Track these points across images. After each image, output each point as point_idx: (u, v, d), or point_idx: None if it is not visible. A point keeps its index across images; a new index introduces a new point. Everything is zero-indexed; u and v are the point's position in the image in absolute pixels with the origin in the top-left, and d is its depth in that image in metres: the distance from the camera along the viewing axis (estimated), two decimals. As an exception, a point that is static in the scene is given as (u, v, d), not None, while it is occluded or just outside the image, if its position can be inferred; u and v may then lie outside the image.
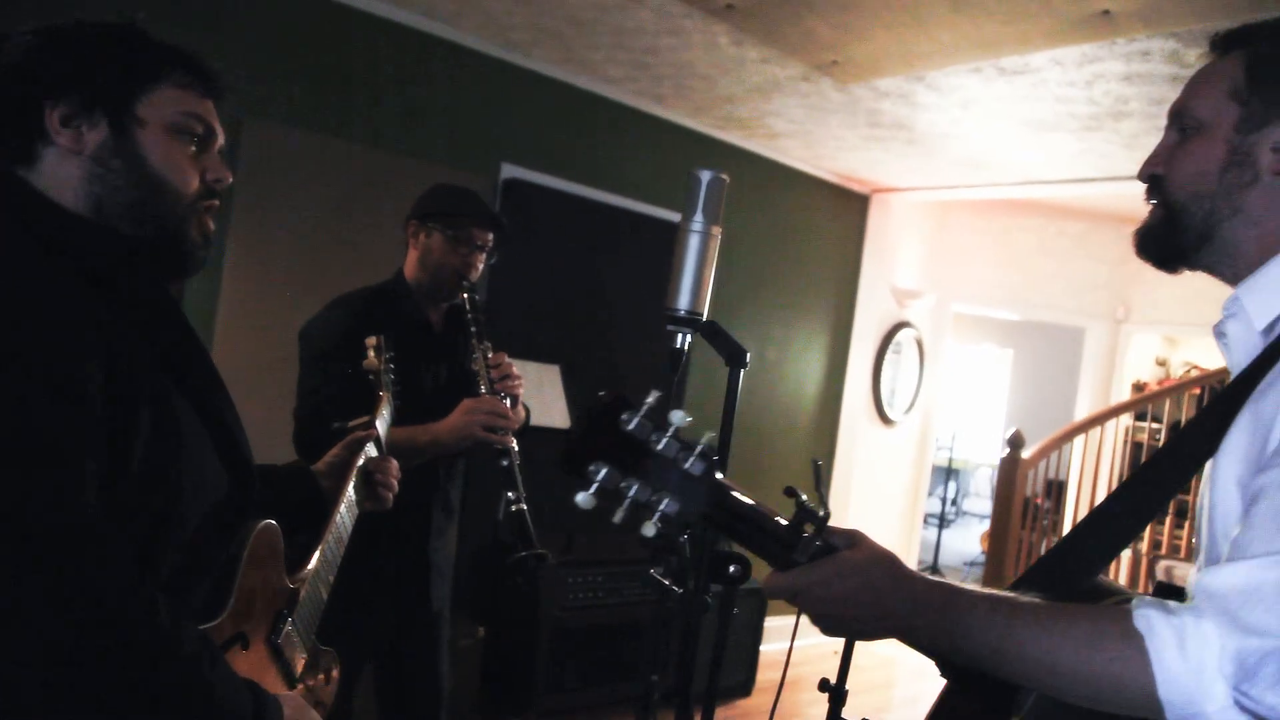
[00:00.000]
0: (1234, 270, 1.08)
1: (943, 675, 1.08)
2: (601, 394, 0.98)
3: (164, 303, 1.22)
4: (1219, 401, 1.03)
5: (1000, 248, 6.41)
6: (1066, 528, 6.32)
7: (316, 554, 1.47)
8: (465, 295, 2.41)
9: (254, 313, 3.57)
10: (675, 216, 4.89)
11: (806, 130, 4.73)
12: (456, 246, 2.39)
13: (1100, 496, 5.20)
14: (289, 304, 3.58)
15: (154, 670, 0.99)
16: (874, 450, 6.05)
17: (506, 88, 4.15)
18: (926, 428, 6.50)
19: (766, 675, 4.79)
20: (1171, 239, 1.09)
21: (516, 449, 2.37)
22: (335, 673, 1.53)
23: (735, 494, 1.01)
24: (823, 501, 1.00)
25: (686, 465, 0.98)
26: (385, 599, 2.38)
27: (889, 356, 6.03)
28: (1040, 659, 0.91)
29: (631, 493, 0.96)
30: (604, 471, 0.95)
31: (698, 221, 1.46)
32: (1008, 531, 5.06)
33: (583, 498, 0.95)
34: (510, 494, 2.29)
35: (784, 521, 1.01)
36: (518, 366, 4.16)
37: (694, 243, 1.46)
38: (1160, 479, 1.08)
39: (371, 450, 1.72)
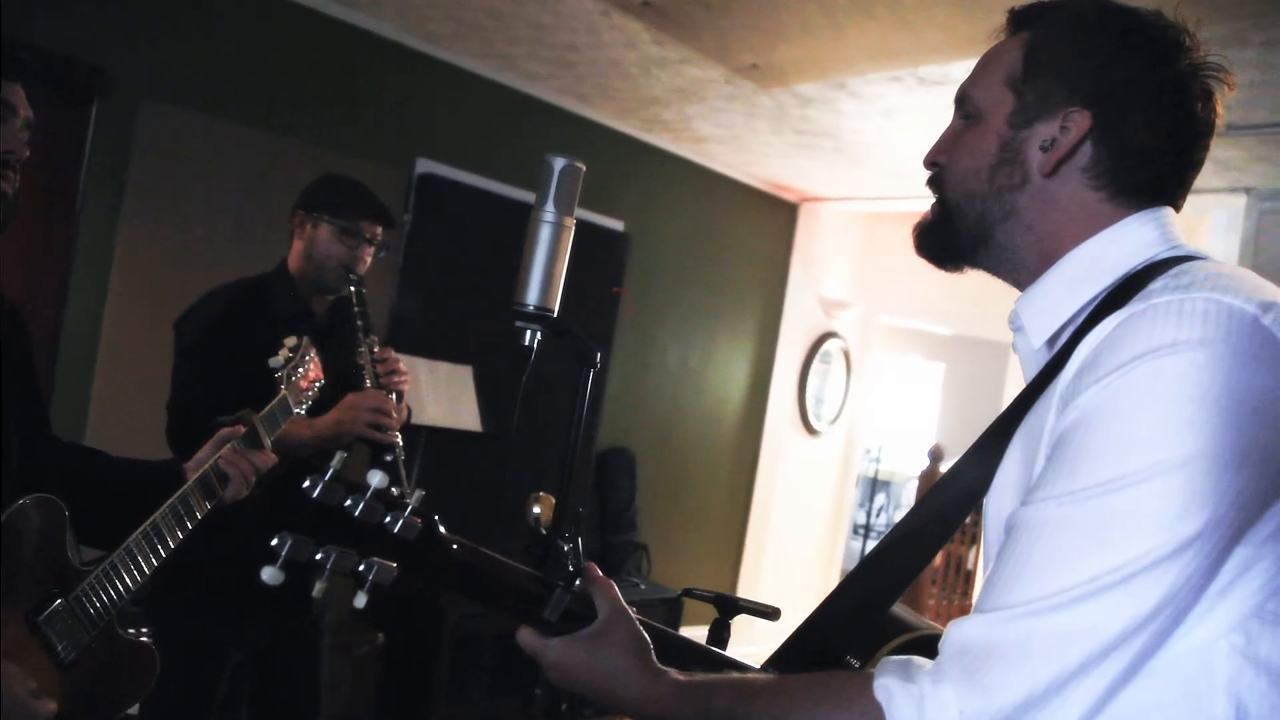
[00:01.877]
0: (1016, 276, 1.01)
1: None
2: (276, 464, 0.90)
3: None
4: (996, 426, 0.96)
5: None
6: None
7: (124, 544, 1.44)
8: (352, 289, 2.33)
9: (145, 301, 3.41)
10: (599, 219, 4.85)
11: (734, 136, 4.69)
12: (344, 239, 2.33)
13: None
14: (183, 292, 3.43)
15: None
16: (798, 460, 6.02)
17: (425, 80, 4.04)
18: (852, 439, 6.50)
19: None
20: (947, 239, 1.02)
21: (401, 444, 2.32)
22: (147, 666, 1.51)
23: (461, 550, 0.94)
24: (578, 552, 0.94)
25: (396, 529, 0.89)
26: (258, 603, 2.28)
27: (815, 366, 6.01)
28: None
29: (331, 563, 0.86)
30: (290, 543, 0.85)
31: (549, 211, 1.37)
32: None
33: (269, 573, 0.85)
34: (394, 490, 2.20)
35: (529, 573, 0.96)
36: (428, 365, 4.07)
37: (545, 234, 1.37)
38: (939, 516, 1.01)
39: (240, 445, 1.69)
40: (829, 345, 6.09)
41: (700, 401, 5.42)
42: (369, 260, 2.38)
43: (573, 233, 1.39)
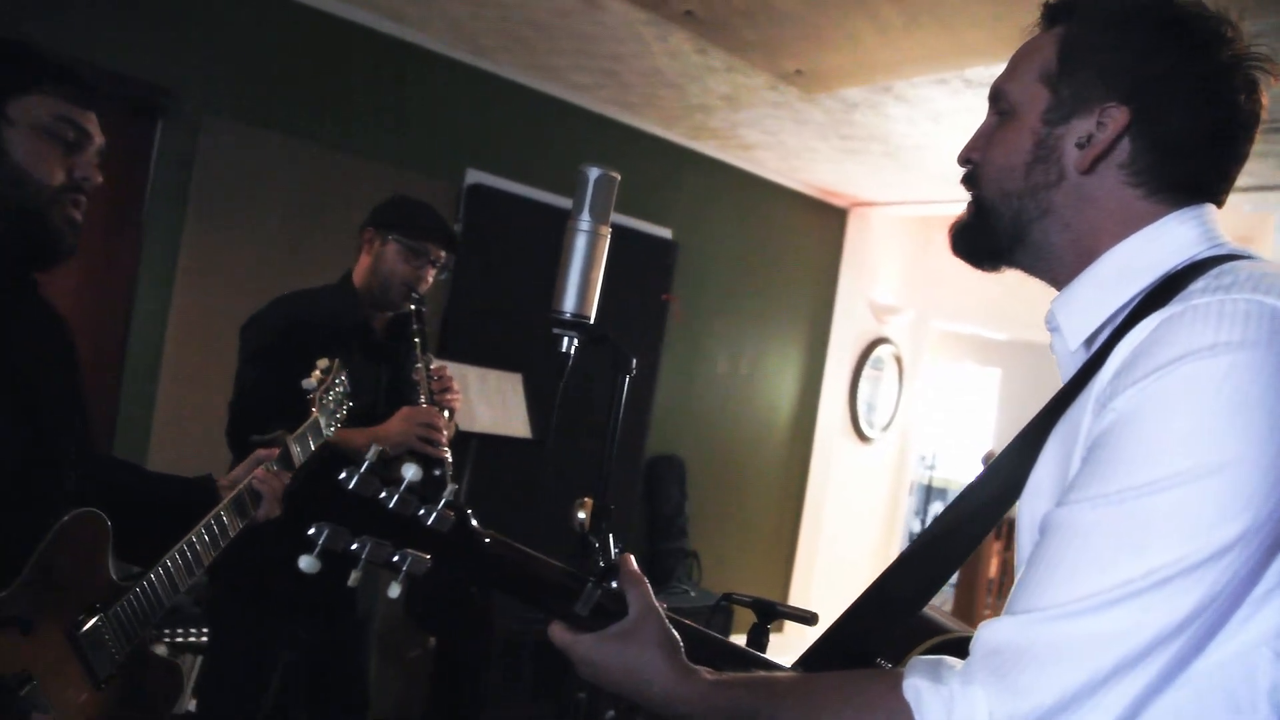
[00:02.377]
0: (1053, 275, 0.99)
1: None
2: (323, 448, 0.92)
3: (17, 288, 1.31)
4: (1031, 427, 0.95)
5: (982, 265, 6.35)
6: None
7: (162, 560, 1.46)
8: (413, 306, 2.41)
9: (207, 312, 3.52)
10: (647, 227, 4.88)
11: (780, 142, 4.69)
12: (410, 258, 2.41)
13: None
14: (243, 305, 3.54)
15: None
16: (850, 467, 5.98)
17: (473, 93, 4.11)
18: (906, 446, 6.43)
19: (730, 693, 4.72)
20: (983, 239, 1.00)
21: (450, 460, 2.38)
22: (175, 686, 1.50)
23: (493, 544, 0.95)
24: (609, 547, 0.95)
25: (429, 521, 0.91)
26: (308, 603, 2.36)
27: (867, 373, 5.97)
28: None
29: (366, 553, 0.88)
30: (326, 533, 0.87)
31: (585, 220, 1.39)
32: (980, 551, 4.99)
33: (305, 562, 0.87)
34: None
35: (562, 568, 0.97)
36: (478, 373, 4.14)
37: (580, 243, 1.39)
38: (972, 518, 1.00)
39: (275, 466, 1.72)
40: (880, 351, 6.04)
41: (750, 408, 5.41)
42: (431, 280, 2.46)
43: (608, 241, 1.41)
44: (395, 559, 0.90)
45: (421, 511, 0.91)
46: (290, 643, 2.38)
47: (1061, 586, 0.78)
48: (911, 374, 6.31)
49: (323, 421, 1.94)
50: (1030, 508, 0.91)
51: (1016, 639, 0.79)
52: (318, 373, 1.99)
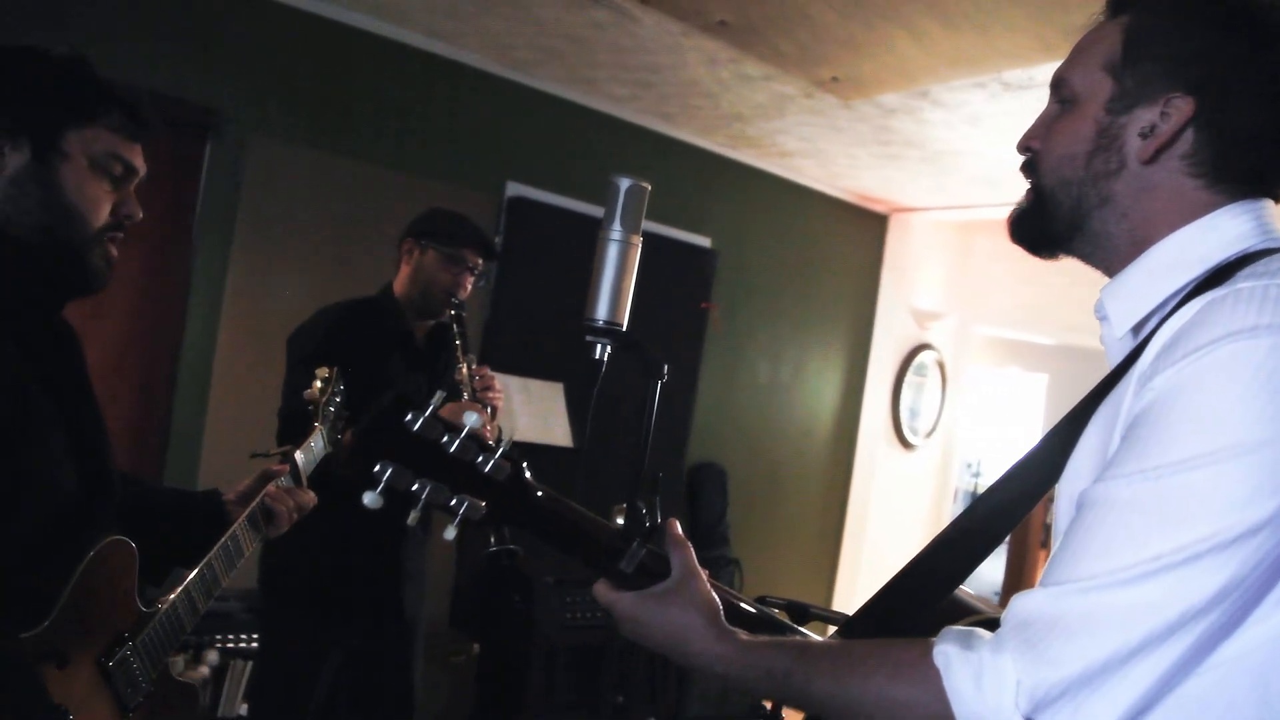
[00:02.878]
0: (1108, 264, 1.00)
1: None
2: (383, 394, 0.95)
3: (53, 318, 1.28)
4: (1073, 412, 0.96)
5: (1028, 269, 6.26)
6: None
7: (184, 583, 1.45)
8: (453, 311, 2.46)
9: (255, 329, 3.61)
10: (686, 236, 4.90)
11: (818, 149, 4.69)
12: (449, 265, 2.48)
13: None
14: (291, 318, 3.62)
15: None
16: (893, 474, 5.94)
17: (511, 106, 4.17)
18: (950, 452, 6.37)
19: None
20: (1042, 226, 1.01)
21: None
22: (191, 710, 1.48)
23: (545, 497, 0.99)
24: (655, 512, 0.97)
25: (486, 468, 0.95)
26: (358, 607, 2.41)
27: (909, 379, 5.93)
28: (841, 704, 0.89)
29: (425, 495, 0.92)
30: (390, 471, 0.91)
31: (616, 230, 1.42)
32: (1025, 559, 4.93)
33: (369, 498, 0.90)
34: None
35: (608, 526, 1.01)
36: (520, 383, 4.20)
37: (612, 251, 1.42)
38: (1014, 496, 1.01)
39: (285, 481, 1.72)
40: (923, 357, 5.99)
41: (791, 415, 5.40)
42: (469, 287, 2.52)
43: (640, 250, 1.44)
44: (453, 503, 0.93)
45: (480, 458, 0.94)
46: (340, 646, 2.44)
47: (1095, 560, 0.79)
48: (955, 380, 6.25)
49: (325, 435, 1.94)
50: (1070, 487, 0.91)
51: (1048, 610, 0.79)
52: (318, 383, 2.01)
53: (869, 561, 5.79)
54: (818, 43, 3.29)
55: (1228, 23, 0.90)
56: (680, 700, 3.98)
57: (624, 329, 1.43)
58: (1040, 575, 0.85)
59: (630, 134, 4.55)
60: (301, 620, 2.37)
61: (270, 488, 1.66)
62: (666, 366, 1.43)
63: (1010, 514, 1.00)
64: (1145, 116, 0.92)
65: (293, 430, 2.29)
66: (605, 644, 4.02)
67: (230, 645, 3.23)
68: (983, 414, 8.15)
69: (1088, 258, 1.02)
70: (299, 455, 1.79)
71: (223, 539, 1.52)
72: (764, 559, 5.23)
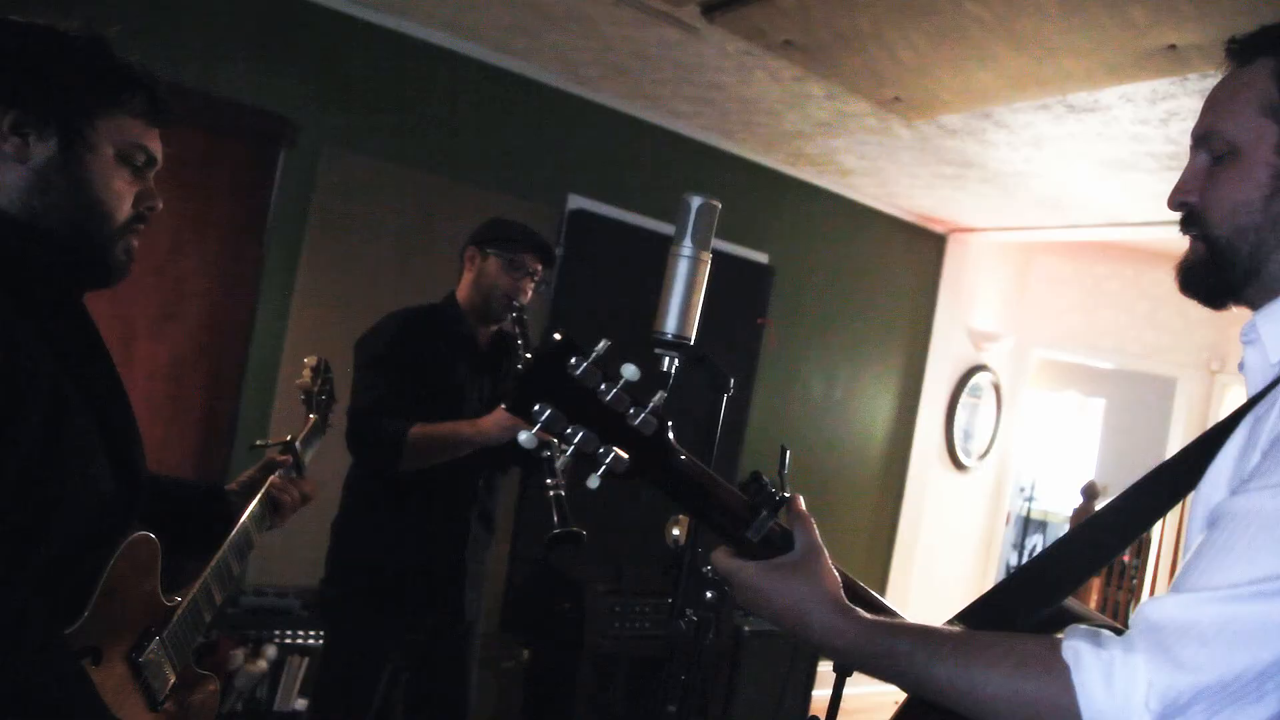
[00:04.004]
0: (1269, 302, 0.99)
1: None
2: (555, 334, 0.97)
3: (76, 312, 1.23)
4: (1215, 429, 0.97)
5: (1084, 292, 6.20)
6: (1149, 586, 6.03)
7: (202, 576, 1.44)
8: (514, 315, 2.53)
9: (321, 329, 3.71)
10: (744, 251, 4.92)
11: (878, 168, 4.70)
12: (510, 271, 2.53)
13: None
14: (355, 323, 3.71)
15: (19, 680, 0.98)
16: (946, 496, 5.89)
17: (575, 120, 4.24)
18: (1003, 475, 6.30)
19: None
20: (1218, 275, 1.00)
21: (558, 442, 2.45)
22: (210, 701, 1.46)
23: (686, 459, 0.99)
24: (784, 486, 0.99)
25: (636, 421, 0.96)
26: (421, 606, 2.47)
27: (964, 400, 5.88)
28: (962, 689, 0.88)
29: (576, 440, 0.93)
30: (548, 413, 0.92)
31: (687, 246, 1.47)
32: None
33: (524, 438, 0.93)
34: (549, 480, 2.38)
35: (738, 494, 1.01)
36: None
37: (683, 267, 1.46)
38: (1134, 512, 1.01)
39: (289, 472, 1.70)
40: (978, 378, 5.94)
41: (844, 434, 5.39)
42: (530, 292, 2.57)
43: (709, 266, 1.47)
44: (600, 451, 0.94)
45: (631, 410, 0.96)
46: (401, 645, 2.49)
47: (1234, 569, 0.79)
48: (1010, 402, 6.18)
49: (320, 423, 1.93)
50: (1205, 500, 0.92)
51: (1181, 616, 0.80)
52: (307, 372, 1.99)
53: (918, 581, 5.74)
54: (882, 63, 3.31)
55: None
56: (727, 711, 3.99)
57: (692, 343, 1.47)
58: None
59: (691, 149, 4.59)
60: (366, 617, 2.43)
61: (275, 478, 1.65)
62: (733, 380, 1.47)
63: (1134, 524, 1.01)
64: None
65: (363, 427, 2.37)
66: (654, 654, 4.05)
67: (289, 641, 3.32)
68: (1038, 437, 8.04)
69: (1257, 304, 1.00)
70: (300, 445, 1.78)
71: (233, 531, 1.51)
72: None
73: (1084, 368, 7.84)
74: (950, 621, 1.01)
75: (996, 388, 6.08)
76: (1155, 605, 0.83)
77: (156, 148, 1.28)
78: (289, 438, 1.80)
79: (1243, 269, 0.97)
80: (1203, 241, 1.00)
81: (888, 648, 0.93)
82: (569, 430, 0.94)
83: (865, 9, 2.91)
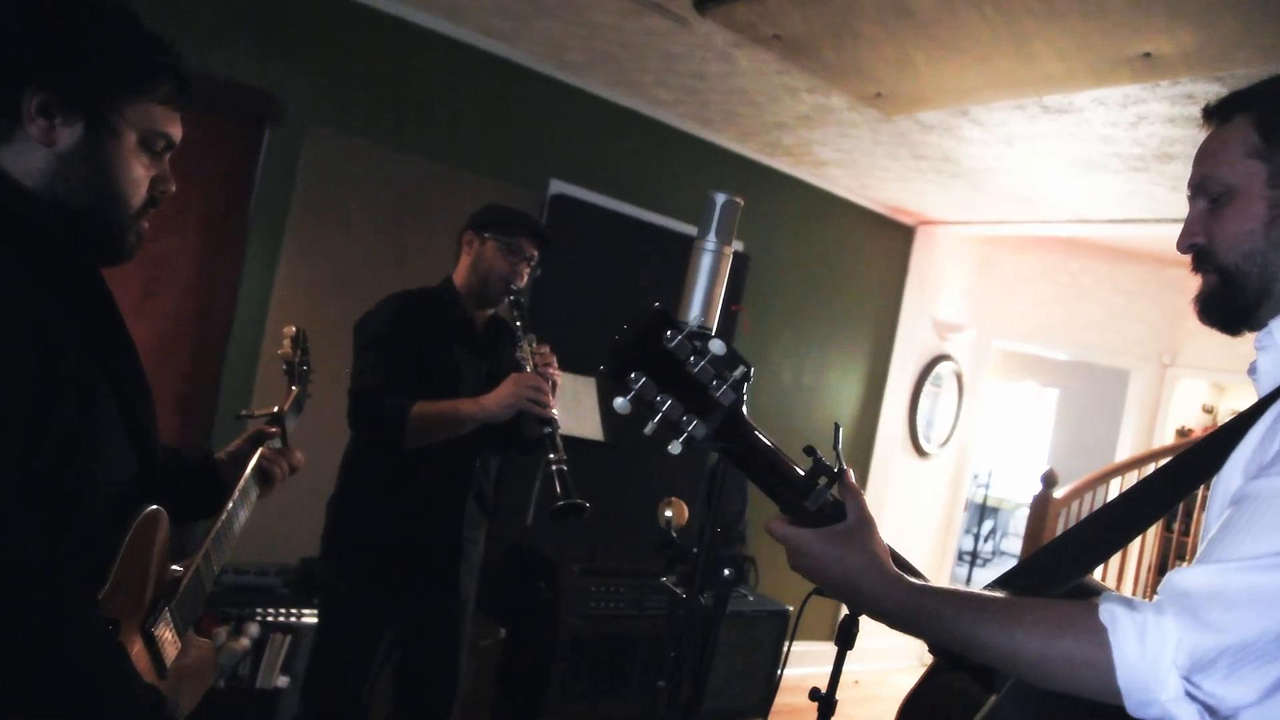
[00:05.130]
0: None
1: (931, 653, 1.16)
2: (655, 305, 1.02)
3: (96, 289, 1.24)
4: (1229, 425, 1.07)
5: (1046, 285, 6.38)
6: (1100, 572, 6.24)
7: (204, 545, 1.47)
8: (511, 298, 2.57)
9: (304, 309, 3.71)
10: (717, 238, 4.96)
11: (853, 160, 4.79)
12: (508, 256, 2.58)
13: (1136, 541, 5.15)
14: (338, 303, 3.72)
15: (64, 648, 1.00)
16: (907, 481, 6.04)
17: (558, 106, 4.27)
18: (962, 462, 6.47)
19: (786, 699, 4.78)
20: (1233, 300, 1.10)
21: (558, 418, 2.51)
22: (209, 663, 1.50)
23: (758, 433, 1.07)
24: (839, 460, 1.06)
25: (718, 393, 1.03)
26: (416, 584, 2.51)
27: (927, 388, 6.03)
28: (1005, 649, 0.97)
29: (664, 408, 1.00)
30: (643, 382, 0.99)
31: (711, 241, 1.52)
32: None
33: (620, 403, 0.99)
34: (551, 455, 2.43)
35: (800, 470, 1.07)
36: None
37: (706, 261, 1.52)
38: (1153, 497, 1.13)
39: (276, 443, 1.71)
40: (941, 368, 6.09)
41: (812, 419, 5.50)
42: (526, 276, 2.61)
43: (730, 260, 1.54)
44: (684, 419, 1.01)
45: (714, 382, 1.03)
46: (395, 622, 2.52)
47: (1258, 542, 0.89)
48: (971, 391, 6.35)
49: (302, 395, 1.94)
50: (1225, 484, 1.02)
51: (1207, 584, 0.90)
52: (287, 342, 2.00)
53: (880, 566, 5.88)
54: (867, 59, 3.39)
55: None
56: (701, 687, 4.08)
57: (713, 333, 1.53)
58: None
59: (671, 137, 4.64)
60: (362, 595, 2.46)
61: (264, 450, 1.66)
62: (751, 369, 1.53)
63: (1159, 504, 1.12)
64: None
65: (366, 405, 2.40)
66: (629, 634, 4.13)
67: (270, 619, 3.34)
68: (996, 426, 8.25)
69: (1265, 320, 1.11)
70: (287, 416, 1.80)
71: (229, 501, 1.53)
72: (780, 558, 5.29)
73: (1041, 359, 8.06)
74: (989, 587, 1.09)
75: (958, 377, 6.24)
76: (1183, 575, 0.93)
77: (177, 132, 1.27)
78: (275, 409, 1.80)
79: (1254, 291, 1.09)
80: (1215, 273, 1.12)
81: (935, 610, 1.01)
82: (659, 398, 1.00)
83: (856, 6, 2.97)
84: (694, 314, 1.52)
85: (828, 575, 1.07)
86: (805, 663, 4.97)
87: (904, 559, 1.14)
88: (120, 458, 1.21)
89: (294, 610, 3.40)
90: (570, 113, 4.31)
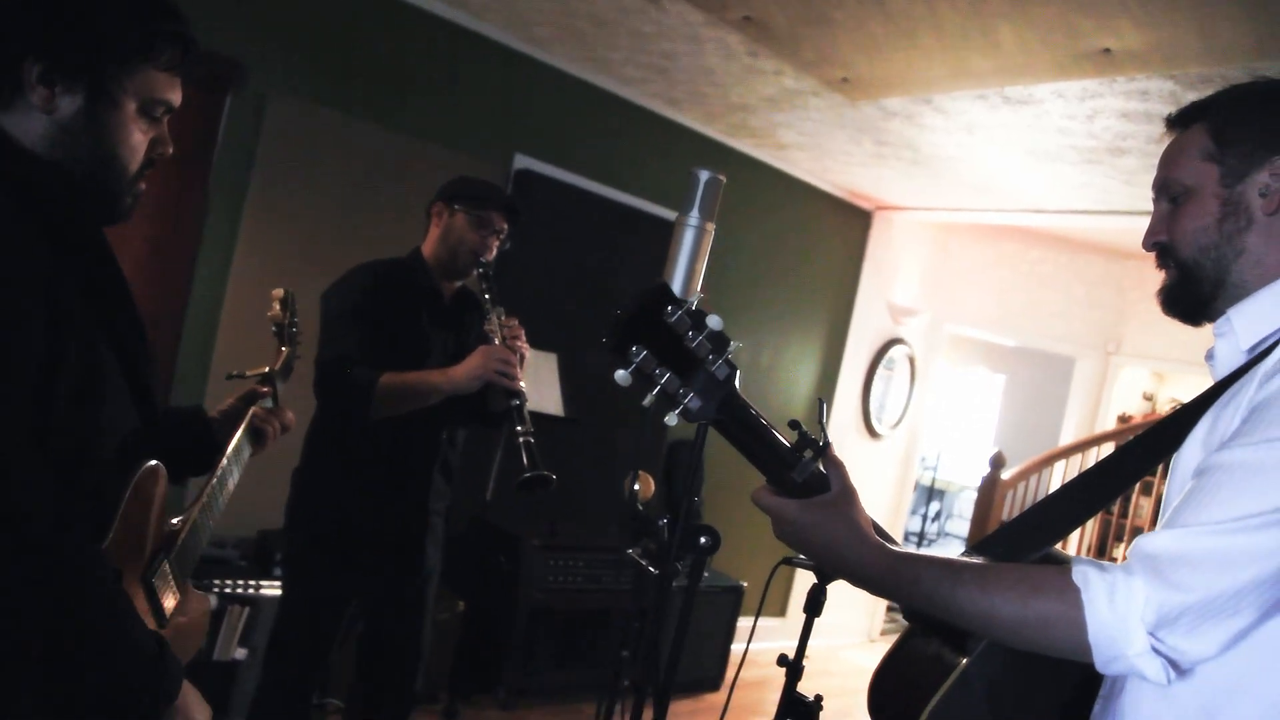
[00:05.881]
0: (1241, 300, 1.17)
1: (905, 619, 1.20)
2: (656, 280, 1.06)
3: (99, 247, 1.26)
4: (1189, 406, 1.15)
5: (998, 273, 6.52)
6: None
7: (200, 499, 1.52)
8: (480, 271, 2.57)
9: (265, 278, 3.67)
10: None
11: (815, 143, 4.84)
12: (478, 228, 2.57)
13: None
14: (300, 271, 3.69)
15: (70, 593, 1.04)
16: (859, 462, 6.15)
17: (525, 81, 4.25)
18: (912, 444, 6.61)
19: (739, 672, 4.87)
20: (1192, 291, 1.18)
21: (525, 391, 2.53)
22: (204, 615, 1.54)
23: (747, 405, 1.11)
24: (824, 433, 1.10)
25: (713, 368, 1.06)
26: (382, 556, 2.51)
27: (880, 371, 6.14)
28: (983, 611, 1.02)
29: (663, 381, 1.04)
30: (643, 355, 1.02)
31: (694, 217, 1.56)
32: (983, 550, 5.16)
33: (621, 375, 1.03)
34: (519, 427, 2.45)
35: (783, 441, 1.12)
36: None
37: (689, 237, 1.56)
38: (1118, 472, 1.20)
39: (268, 402, 1.75)
40: (894, 351, 6.20)
41: (768, 399, 5.57)
42: (495, 249, 2.61)
43: (712, 236, 1.57)
44: (680, 392, 1.05)
45: (710, 357, 1.07)
46: (360, 593, 2.53)
47: (1220, 508, 0.96)
48: (923, 375, 6.48)
49: (290, 356, 1.97)
50: (1186, 460, 1.09)
51: (1173, 547, 0.96)
52: (276, 304, 2.02)
53: (831, 545, 5.99)
54: (835, 44, 3.43)
55: None
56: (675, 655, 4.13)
57: (695, 308, 1.56)
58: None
59: (636, 116, 4.65)
60: (327, 566, 2.46)
61: (257, 409, 1.69)
62: (733, 344, 1.57)
63: (1121, 479, 1.19)
64: (1259, 179, 1.13)
65: (332, 376, 2.39)
66: (588, 607, 4.17)
67: (228, 590, 3.32)
68: (944, 409, 8.42)
69: (1225, 313, 1.18)
70: (277, 376, 1.83)
71: (223, 458, 1.56)
72: (733, 535, 5.37)
73: (991, 345, 8.23)
74: (965, 554, 1.15)
75: (911, 360, 6.36)
76: (1150, 539, 0.99)
77: (177, 97, 1.27)
78: (266, 369, 1.83)
79: (1210, 282, 1.17)
80: (1176, 268, 1.20)
81: (915, 576, 1.06)
82: (657, 372, 1.04)
83: (827, -8, 3.01)
84: (675, 288, 1.56)
85: (812, 544, 1.11)
86: (757, 637, 5.08)
87: (883, 529, 1.19)
88: (121, 411, 1.23)
89: (252, 582, 3.38)
90: (537, 88, 4.30)
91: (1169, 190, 1.20)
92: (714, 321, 1.07)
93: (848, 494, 1.12)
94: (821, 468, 1.13)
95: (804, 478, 1.11)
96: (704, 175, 1.54)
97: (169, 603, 1.39)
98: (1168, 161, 1.21)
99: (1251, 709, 0.99)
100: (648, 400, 1.05)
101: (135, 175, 1.25)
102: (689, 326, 1.06)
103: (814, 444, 1.11)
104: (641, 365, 1.03)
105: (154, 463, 1.31)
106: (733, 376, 1.09)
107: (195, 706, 1.25)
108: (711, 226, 1.57)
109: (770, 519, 1.13)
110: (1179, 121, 1.21)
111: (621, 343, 1.03)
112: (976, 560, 1.08)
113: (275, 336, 1.99)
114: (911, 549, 1.13)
